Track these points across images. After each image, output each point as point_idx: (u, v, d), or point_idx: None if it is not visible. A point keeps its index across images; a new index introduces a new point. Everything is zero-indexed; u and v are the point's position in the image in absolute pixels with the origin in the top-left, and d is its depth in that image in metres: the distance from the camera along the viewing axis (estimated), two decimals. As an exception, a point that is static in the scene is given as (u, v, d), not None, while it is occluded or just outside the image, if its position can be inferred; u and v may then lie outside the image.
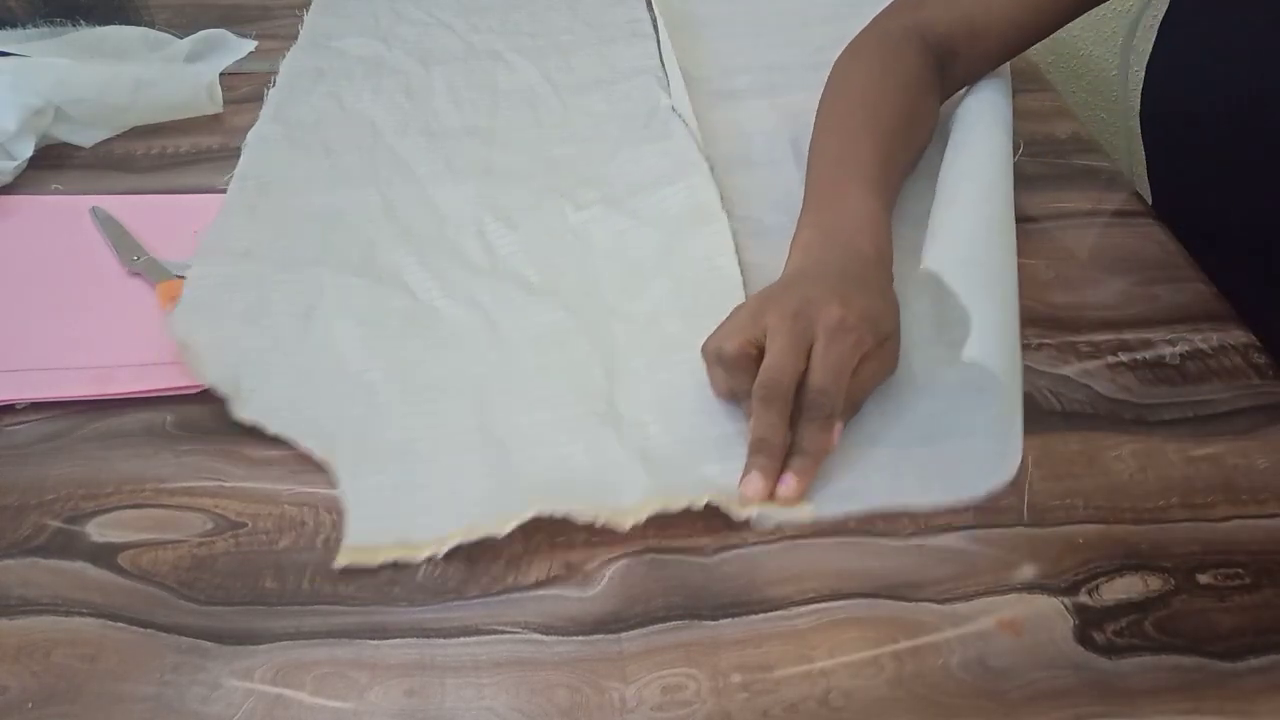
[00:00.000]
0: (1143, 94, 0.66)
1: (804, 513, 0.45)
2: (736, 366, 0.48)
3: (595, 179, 0.67)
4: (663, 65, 0.79)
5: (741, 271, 0.58)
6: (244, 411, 0.49)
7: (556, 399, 0.51)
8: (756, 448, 0.45)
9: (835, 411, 0.46)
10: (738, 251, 0.59)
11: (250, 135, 0.71)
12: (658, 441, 0.48)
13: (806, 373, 0.46)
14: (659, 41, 0.81)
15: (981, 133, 0.62)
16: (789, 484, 0.45)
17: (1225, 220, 0.61)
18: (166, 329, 0.53)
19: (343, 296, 0.57)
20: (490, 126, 0.73)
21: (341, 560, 0.43)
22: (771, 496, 0.45)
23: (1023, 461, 0.46)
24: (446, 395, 0.51)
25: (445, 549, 0.43)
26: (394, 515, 0.45)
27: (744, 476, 0.45)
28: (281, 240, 0.61)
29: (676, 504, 0.44)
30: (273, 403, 0.50)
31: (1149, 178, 0.67)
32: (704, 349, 0.50)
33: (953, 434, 0.49)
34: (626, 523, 0.44)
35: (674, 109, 0.72)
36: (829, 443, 0.46)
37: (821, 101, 0.65)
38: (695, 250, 0.59)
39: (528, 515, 0.43)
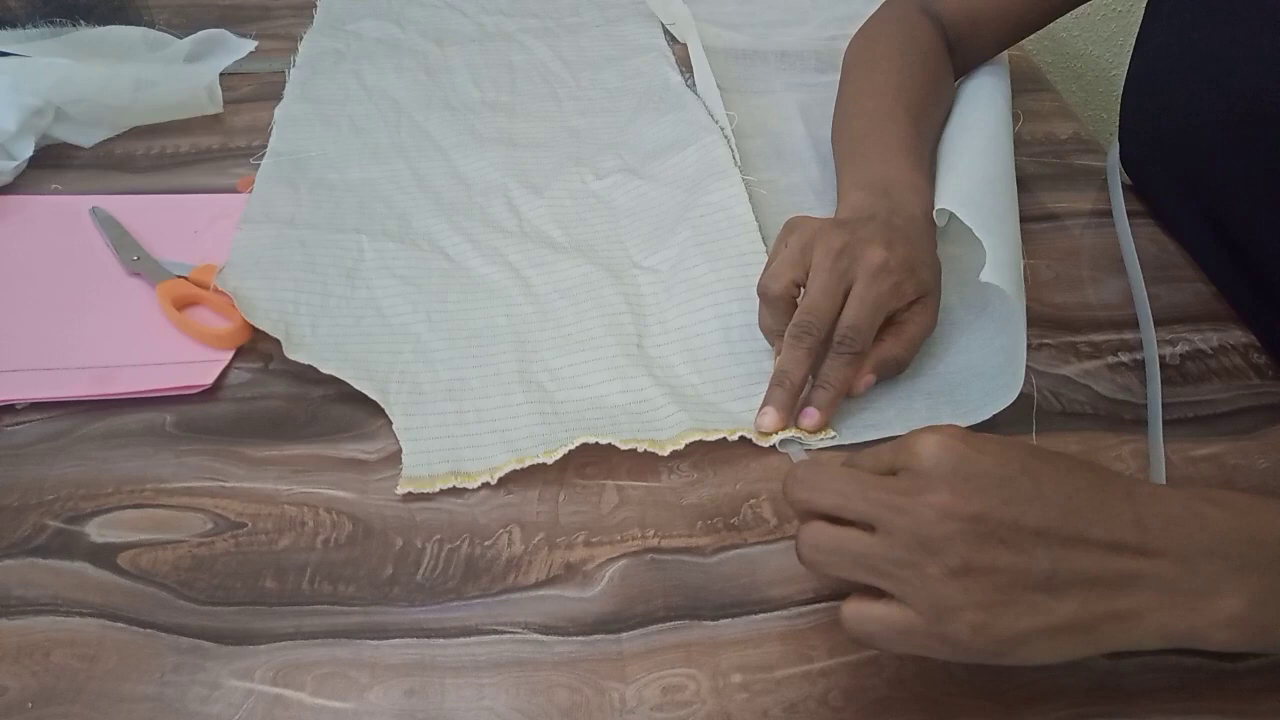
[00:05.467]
0: (1121, 108, 0.66)
1: (826, 438, 0.48)
2: (778, 307, 0.50)
3: (615, 146, 0.70)
4: (671, 44, 0.83)
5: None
6: (296, 354, 0.52)
7: (589, 343, 0.54)
8: (776, 380, 0.48)
9: (862, 349, 0.48)
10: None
11: (278, 113, 0.72)
12: (686, 380, 0.52)
13: (842, 305, 0.48)
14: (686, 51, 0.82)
15: (983, 98, 0.65)
16: (811, 416, 0.48)
17: (1200, 228, 0.61)
18: (217, 281, 0.55)
19: (382, 259, 0.59)
20: (509, 101, 0.76)
21: (402, 488, 0.46)
22: (786, 428, 0.48)
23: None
24: (488, 342, 0.54)
25: (498, 477, 0.46)
26: (448, 447, 0.48)
27: (761, 409, 0.48)
28: (322, 210, 0.64)
29: (712, 435, 0.47)
30: (324, 346, 0.53)
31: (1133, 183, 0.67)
32: (757, 287, 0.51)
33: (960, 361, 0.52)
34: (665, 450, 0.47)
35: (694, 91, 0.74)
36: (852, 378, 0.48)
37: (847, 75, 0.67)
38: (712, 200, 0.62)
39: (574, 444, 0.47)
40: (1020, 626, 0.33)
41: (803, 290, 0.50)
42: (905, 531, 0.33)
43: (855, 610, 0.35)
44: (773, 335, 0.51)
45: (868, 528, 0.35)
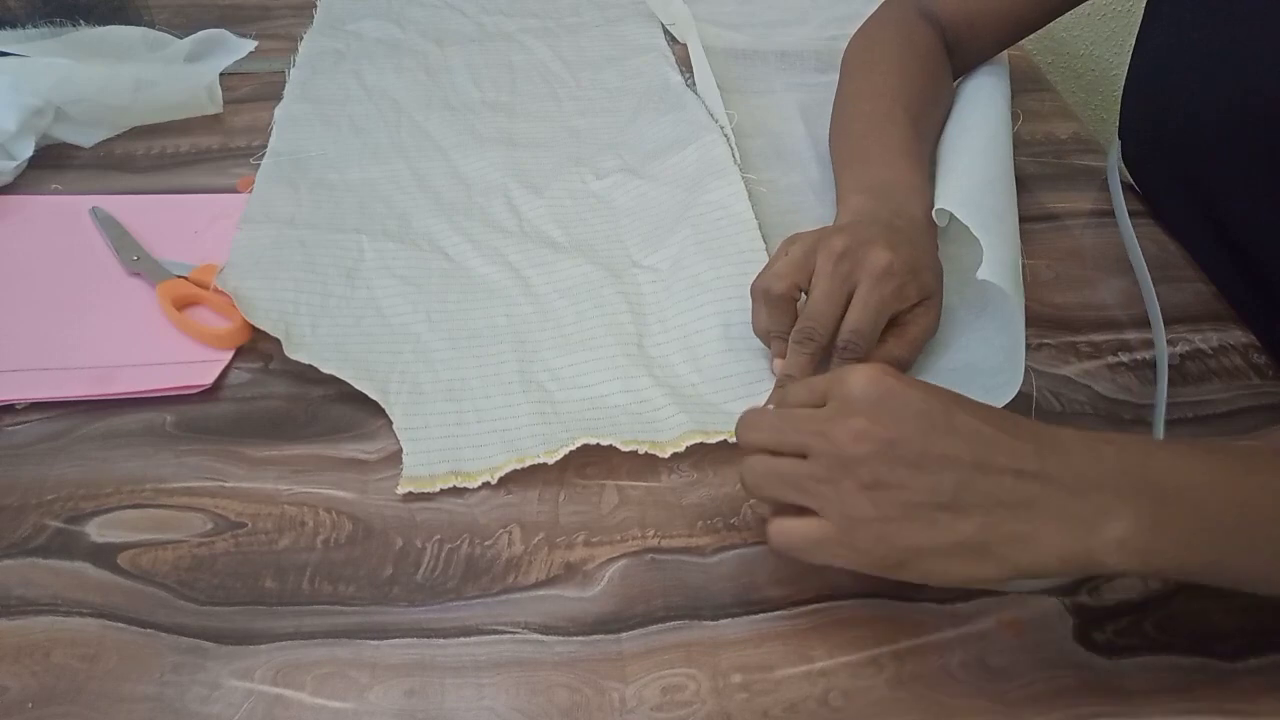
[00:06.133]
0: (1121, 107, 0.66)
1: None
2: (779, 308, 0.50)
3: (615, 146, 0.70)
4: (671, 44, 0.82)
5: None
6: (296, 353, 0.52)
7: (590, 343, 0.54)
8: (781, 384, 0.49)
9: (866, 354, 0.48)
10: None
11: (278, 113, 0.72)
12: (686, 379, 0.52)
13: (845, 313, 0.49)
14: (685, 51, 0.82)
15: (983, 99, 0.65)
16: None
17: (1200, 228, 0.61)
18: (217, 281, 0.55)
19: (382, 259, 0.59)
20: (509, 101, 0.76)
21: (403, 488, 0.46)
22: None
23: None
24: (488, 342, 0.54)
25: (498, 476, 0.46)
26: (448, 447, 0.48)
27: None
28: (322, 210, 0.63)
29: (713, 437, 0.48)
30: (324, 346, 0.53)
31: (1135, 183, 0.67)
32: (753, 287, 0.52)
33: (959, 360, 0.52)
34: (666, 452, 0.47)
35: (694, 91, 0.74)
36: None
37: (845, 77, 0.67)
38: (712, 198, 0.62)
39: (575, 445, 0.47)
40: (921, 540, 0.36)
41: (804, 294, 0.50)
42: (826, 452, 0.37)
43: (779, 525, 0.39)
44: (768, 336, 0.51)
45: (801, 457, 0.38)
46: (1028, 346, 0.52)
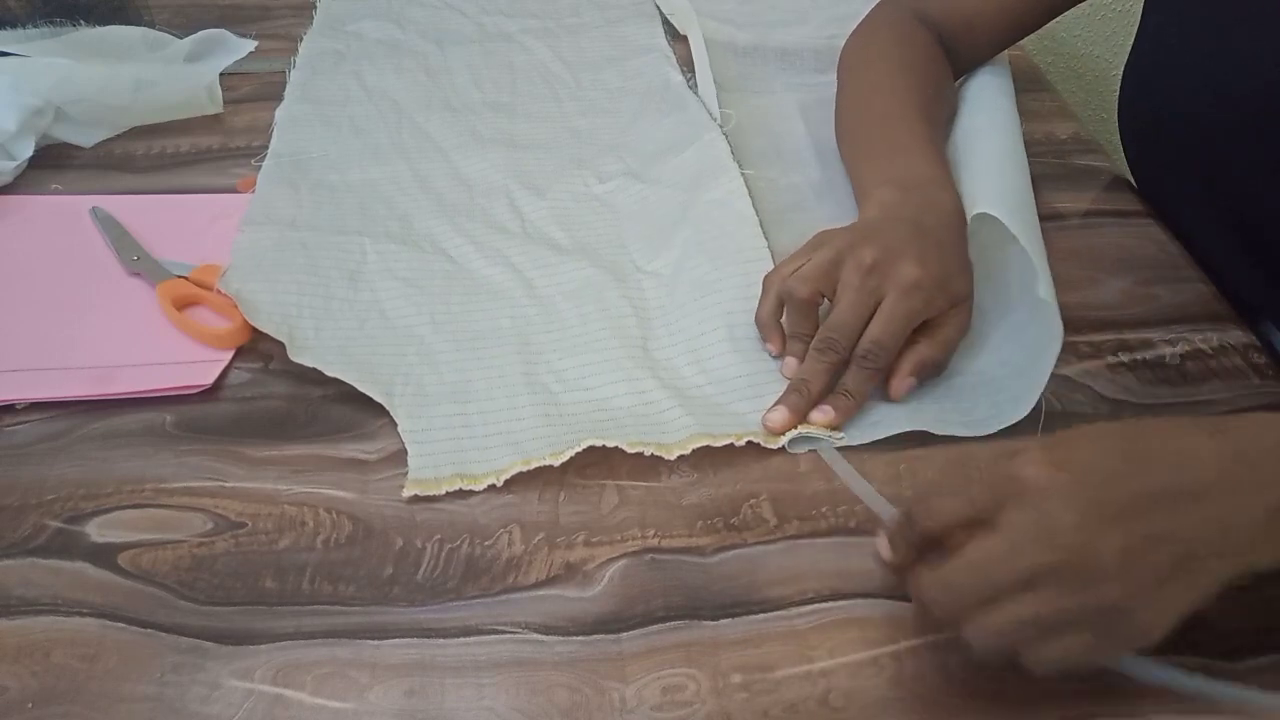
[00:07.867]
0: (1120, 98, 0.66)
1: (835, 437, 0.48)
2: (800, 312, 0.50)
3: (616, 148, 0.70)
4: (671, 43, 0.82)
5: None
6: (300, 356, 0.51)
7: (595, 345, 0.54)
8: (795, 386, 0.49)
9: (885, 365, 0.48)
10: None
11: (279, 114, 0.72)
12: (691, 381, 0.52)
13: (869, 322, 0.49)
14: (687, 53, 0.82)
15: (987, 100, 0.65)
16: (826, 413, 0.48)
17: (1201, 222, 0.61)
18: (220, 284, 0.55)
19: (385, 261, 0.59)
20: (510, 102, 0.76)
21: (408, 491, 0.46)
22: (796, 428, 0.48)
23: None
24: (492, 344, 0.54)
25: (504, 479, 0.46)
26: (453, 450, 0.48)
27: (773, 407, 0.48)
28: (323, 211, 0.63)
29: (719, 440, 0.47)
30: (328, 349, 0.53)
31: (1134, 179, 0.67)
32: (769, 279, 0.52)
33: (974, 371, 0.52)
34: (673, 454, 0.47)
35: (694, 91, 0.74)
36: (869, 392, 0.49)
37: (847, 76, 0.67)
38: (713, 196, 0.62)
39: (581, 447, 0.46)
40: (1192, 593, 0.35)
41: (825, 299, 0.50)
42: (1067, 570, 0.34)
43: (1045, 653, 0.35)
44: (769, 329, 0.51)
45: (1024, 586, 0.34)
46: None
